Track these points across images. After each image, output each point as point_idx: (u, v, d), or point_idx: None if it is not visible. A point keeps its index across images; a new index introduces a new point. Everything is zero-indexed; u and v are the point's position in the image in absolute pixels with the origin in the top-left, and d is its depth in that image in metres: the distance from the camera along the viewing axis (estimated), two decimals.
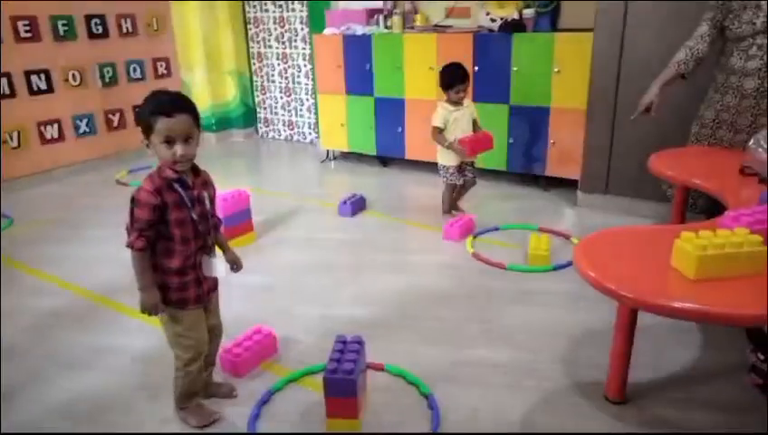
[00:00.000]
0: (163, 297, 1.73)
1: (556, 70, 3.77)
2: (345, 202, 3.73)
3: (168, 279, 1.73)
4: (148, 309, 1.72)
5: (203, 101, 5.84)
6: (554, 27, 3.89)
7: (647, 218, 3.41)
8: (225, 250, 1.91)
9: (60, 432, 1.83)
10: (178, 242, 1.70)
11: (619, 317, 1.83)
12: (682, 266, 1.65)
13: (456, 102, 3.27)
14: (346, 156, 5.14)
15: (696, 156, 2.77)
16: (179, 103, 1.64)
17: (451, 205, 3.55)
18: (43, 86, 4.59)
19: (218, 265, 1.83)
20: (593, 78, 3.45)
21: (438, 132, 3.29)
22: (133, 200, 1.65)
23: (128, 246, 1.66)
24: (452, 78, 3.25)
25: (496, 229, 3.38)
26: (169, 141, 1.62)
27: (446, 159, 3.36)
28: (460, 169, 3.40)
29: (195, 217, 1.72)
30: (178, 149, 1.62)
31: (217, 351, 1.99)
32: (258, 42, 5.84)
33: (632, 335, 1.84)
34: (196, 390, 1.88)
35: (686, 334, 2.27)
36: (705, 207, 2.86)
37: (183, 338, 1.78)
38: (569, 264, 2.84)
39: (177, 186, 1.67)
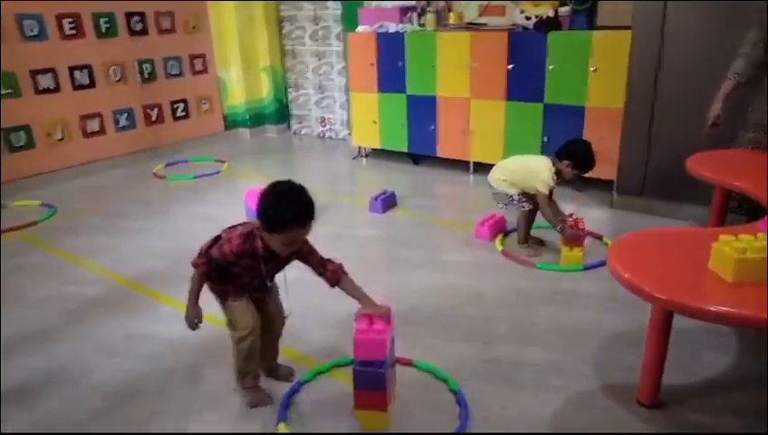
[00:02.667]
0: (220, 291, 1.87)
1: (593, 68, 3.72)
2: (376, 199, 3.75)
3: (223, 286, 1.86)
4: (187, 321, 1.83)
5: (238, 97, 5.95)
6: (591, 25, 3.83)
7: (685, 222, 3.33)
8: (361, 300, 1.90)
9: (60, 432, 1.88)
10: (235, 277, 1.83)
11: (652, 319, 1.80)
12: (720, 269, 1.61)
13: (559, 178, 2.87)
14: (377, 153, 5.16)
15: (737, 158, 2.70)
16: (312, 211, 1.71)
17: (527, 234, 3.08)
18: (86, 81, 4.74)
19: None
20: (631, 76, 3.39)
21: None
22: (220, 238, 1.80)
23: (192, 264, 1.79)
24: (589, 165, 2.85)
25: None
26: (290, 244, 1.73)
27: (509, 187, 2.96)
28: (525, 193, 2.97)
29: (257, 281, 1.87)
30: (292, 247, 1.75)
31: (279, 337, 2.07)
32: (292, 39, 5.90)
33: (666, 338, 1.80)
34: (249, 370, 1.95)
35: (723, 339, 2.22)
36: (750, 210, 2.77)
37: (234, 321, 1.88)
38: (600, 264, 2.80)
39: (260, 259, 1.79)
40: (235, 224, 1.86)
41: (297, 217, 1.67)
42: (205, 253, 1.79)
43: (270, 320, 1.99)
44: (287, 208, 1.67)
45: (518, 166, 2.96)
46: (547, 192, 2.83)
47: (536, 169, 2.87)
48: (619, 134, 3.55)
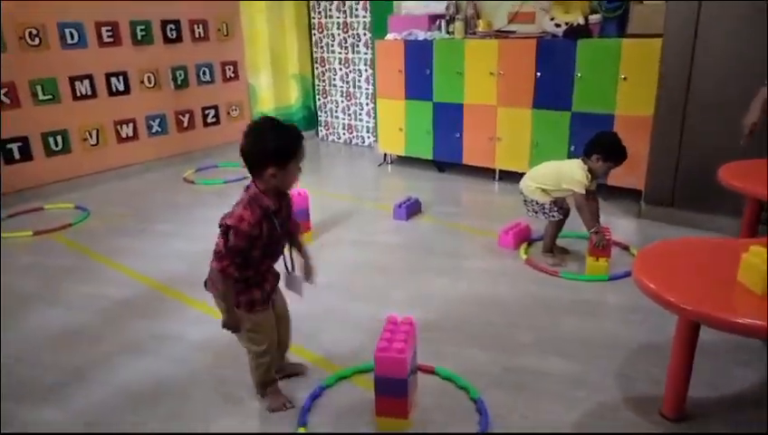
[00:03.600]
0: (248, 301, 1.83)
1: (623, 76, 3.67)
2: (400, 205, 3.76)
3: (235, 286, 1.79)
4: (231, 328, 1.82)
5: (267, 104, 6.03)
6: (622, 32, 3.79)
7: (715, 233, 3.25)
8: (303, 256, 1.96)
9: (60, 432, 1.91)
10: (257, 258, 1.78)
11: (678, 331, 1.77)
12: (749, 281, 1.58)
13: (593, 177, 2.83)
14: (403, 160, 5.18)
15: None
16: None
17: (553, 243, 3.07)
18: (121, 87, 4.88)
19: (300, 284, 1.97)
20: (662, 85, 3.34)
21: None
22: (230, 228, 1.69)
23: (220, 271, 1.71)
24: (620, 153, 2.77)
25: None
26: (300, 168, 1.77)
27: (541, 195, 2.94)
28: (556, 202, 2.97)
29: (279, 240, 1.84)
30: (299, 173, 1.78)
31: (289, 336, 2.08)
32: (322, 47, 5.98)
33: (692, 351, 1.77)
34: (270, 379, 1.97)
35: (753, 354, 2.16)
36: None
37: (254, 335, 1.87)
38: (626, 274, 2.76)
39: (273, 216, 1.76)
40: (228, 212, 1.75)
41: (299, 136, 1.74)
42: (226, 253, 1.70)
43: (279, 318, 1.98)
44: (288, 133, 1.73)
45: (550, 171, 2.93)
46: (583, 191, 2.77)
47: (569, 171, 2.82)
48: (649, 143, 3.49)
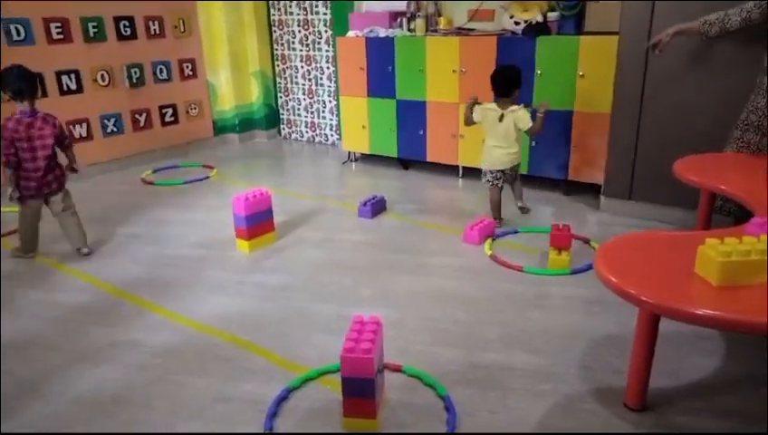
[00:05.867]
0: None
1: (580, 73, 3.74)
2: (365, 204, 3.74)
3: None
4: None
5: (227, 102, 5.92)
6: (579, 30, 3.85)
7: (671, 225, 3.35)
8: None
9: (59, 432, 1.84)
10: None
11: (639, 323, 1.80)
12: (705, 273, 1.62)
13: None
14: (367, 158, 5.16)
15: (723, 161, 2.72)
16: None
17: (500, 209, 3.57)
18: (74, 86, 4.70)
19: None
20: (618, 82, 3.41)
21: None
22: (63, 138, 3.12)
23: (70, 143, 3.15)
24: (511, 77, 3.36)
25: (515, 232, 3.37)
26: None
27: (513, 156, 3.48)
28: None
29: None
30: None
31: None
32: (282, 44, 5.90)
33: (653, 342, 1.81)
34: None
35: (709, 342, 2.23)
36: (735, 211, 2.80)
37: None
38: (588, 268, 2.81)
39: None
40: (51, 121, 3.08)
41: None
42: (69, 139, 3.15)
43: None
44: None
45: (507, 129, 3.34)
46: (537, 121, 3.29)
47: (518, 119, 3.30)
48: (607, 139, 3.56)
